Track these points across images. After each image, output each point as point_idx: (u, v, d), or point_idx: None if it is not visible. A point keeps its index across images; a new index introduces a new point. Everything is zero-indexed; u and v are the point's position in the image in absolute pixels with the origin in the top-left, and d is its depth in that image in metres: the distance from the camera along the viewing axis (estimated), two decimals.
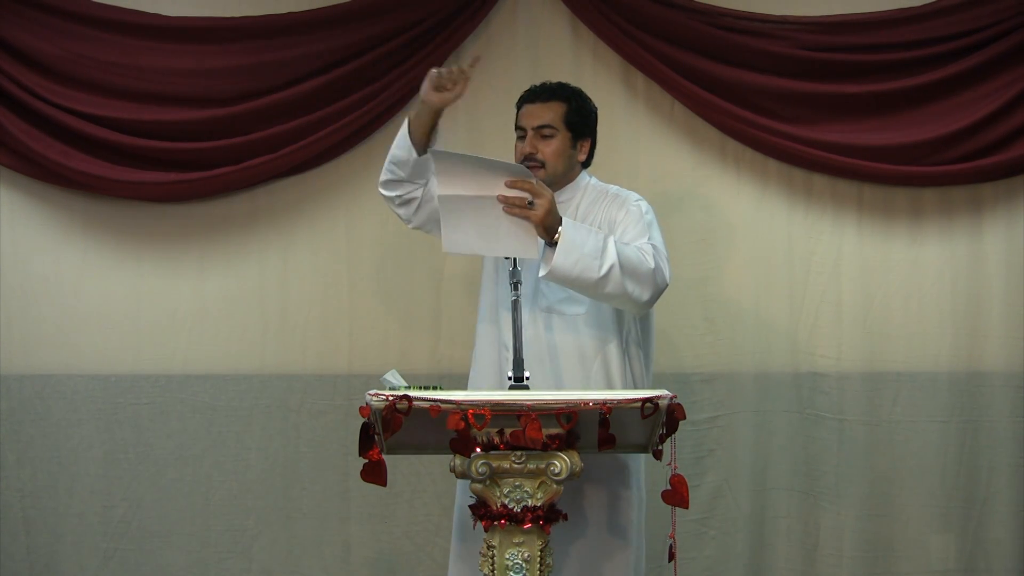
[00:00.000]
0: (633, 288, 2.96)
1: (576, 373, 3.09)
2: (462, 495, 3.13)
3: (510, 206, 2.84)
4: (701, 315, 4.02)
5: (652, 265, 2.99)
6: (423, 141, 3.10)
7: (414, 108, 3.13)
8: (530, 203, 2.85)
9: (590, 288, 2.95)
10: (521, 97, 3.24)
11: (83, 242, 4.03)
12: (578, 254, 2.89)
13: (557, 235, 2.88)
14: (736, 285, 4.03)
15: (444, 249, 2.97)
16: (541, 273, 2.93)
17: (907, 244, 4.02)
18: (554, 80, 3.27)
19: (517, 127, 3.20)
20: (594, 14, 3.97)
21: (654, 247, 3.04)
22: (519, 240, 2.88)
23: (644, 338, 3.24)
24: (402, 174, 3.15)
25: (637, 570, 3.13)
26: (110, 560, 3.96)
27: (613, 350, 3.13)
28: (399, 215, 3.25)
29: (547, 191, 2.88)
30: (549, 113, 3.16)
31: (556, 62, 4.01)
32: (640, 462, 3.14)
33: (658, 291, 3.03)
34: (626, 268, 2.94)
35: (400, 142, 3.13)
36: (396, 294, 4.03)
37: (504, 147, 3.33)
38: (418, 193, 3.18)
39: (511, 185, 2.84)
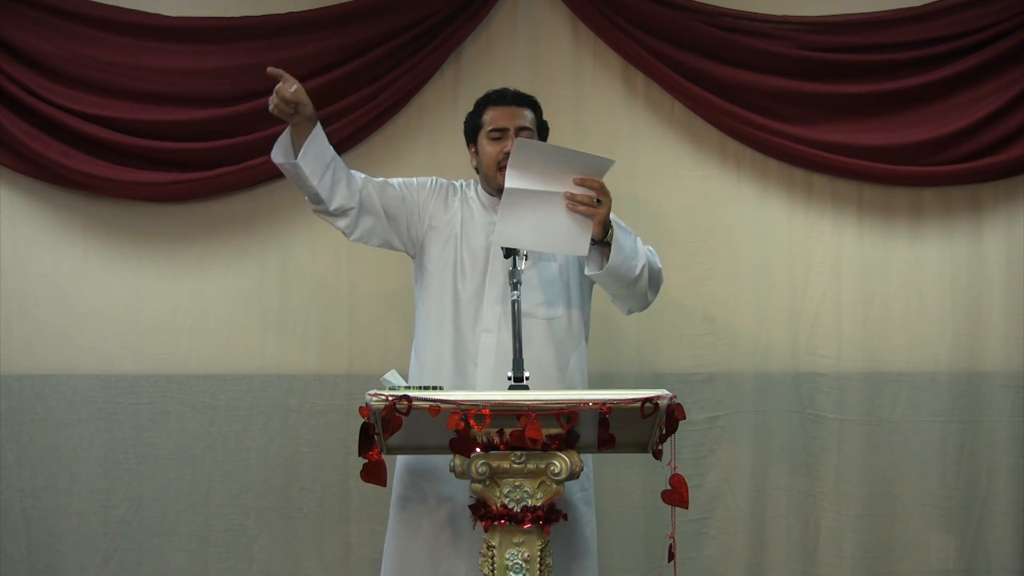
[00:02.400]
0: (649, 287, 3.07)
1: (553, 375, 3.10)
2: (400, 474, 3.17)
3: (576, 203, 2.87)
4: (701, 315, 4.02)
5: (660, 265, 3.10)
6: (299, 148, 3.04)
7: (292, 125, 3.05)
8: (597, 201, 2.88)
9: (626, 286, 3.01)
10: (489, 98, 3.23)
11: (83, 242, 4.03)
12: (624, 253, 2.96)
13: (608, 234, 2.93)
14: (736, 285, 4.03)
15: (495, 242, 3.00)
16: (591, 271, 2.98)
17: (907, 244, 4.02)
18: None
19: (494, 128, 3.16)
20: (594, 14, 3.97)
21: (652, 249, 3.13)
22: (573, 237, 2.91)
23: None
24: (310, 191, 3.08)
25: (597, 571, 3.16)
26: (110, 560, 3.96)
27: (582, 351, 3.19)
28: (339, 228, 3.17)
29: (608, 191, 2.91)
30: (527, 116, 3.18)
31: (556, 62, 4.00)
32: (588, 461, 3.13)
33: (658, 291, 3.13)
34: (650, 267, 3.04)
35: (291, 172, 3.06)
36: (396, 294, 4.02)
37: None
38: (353, 203, 3.12)
39: (580, 183, 2.87)
